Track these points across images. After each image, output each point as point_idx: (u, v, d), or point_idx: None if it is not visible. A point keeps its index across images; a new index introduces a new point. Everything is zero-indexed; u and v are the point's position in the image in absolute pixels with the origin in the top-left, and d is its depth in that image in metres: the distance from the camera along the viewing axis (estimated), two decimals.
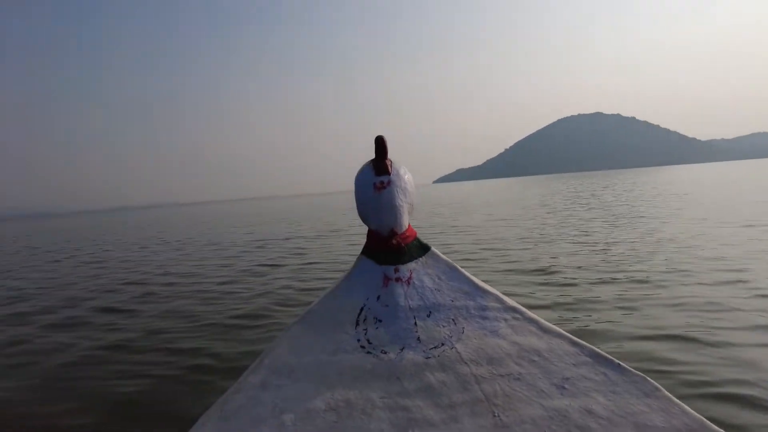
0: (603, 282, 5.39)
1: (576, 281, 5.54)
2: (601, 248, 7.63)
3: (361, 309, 1.77)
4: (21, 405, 3.36)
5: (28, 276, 10.50)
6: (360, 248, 2.00)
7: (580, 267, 6.31)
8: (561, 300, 4.83)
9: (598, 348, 1.56)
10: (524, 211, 17.06)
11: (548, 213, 15.32)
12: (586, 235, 9.28)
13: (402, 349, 1.61)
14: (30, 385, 3.71)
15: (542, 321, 1.70)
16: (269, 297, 6.02)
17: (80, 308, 6.40)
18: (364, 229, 1.98)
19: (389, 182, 1.88)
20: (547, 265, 6.59)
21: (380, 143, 1.88)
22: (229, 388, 1.51)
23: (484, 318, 1.71)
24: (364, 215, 1.97)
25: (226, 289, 6.86)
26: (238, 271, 8.43)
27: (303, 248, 11.17)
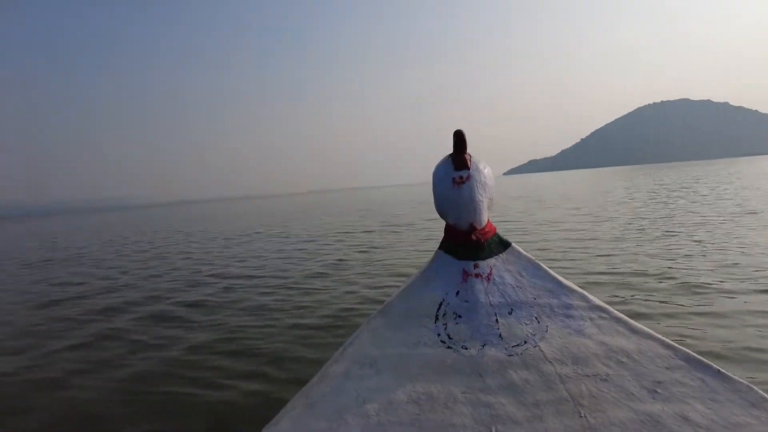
0: (725, 292, 4.66)
1: (690, 288, 4.86)
2: (712, 249, 6.74)
3: (440, 304, 1.76)
4: (99, 405, 3.38)
5: (121, 265, 11.16)
6: (435, 243, 1.97)
7: (691, 270, 5.57)
8: (673, 310, 4.23)
9: (702, 357, 1.42)
10: (611, 205, 15.86)
11: (639, 207, 14.12)
12: (690, 234, 8.29)
13: (483, 346, 1.60)
14: (110, 385, 3.74)
15: (631, 321, 1.62)
16: (348, 297, 5.82)
17: (165, 302, 6.57)
18: (437, 223, 1.78)
19: (468, 177, 1.86)
20: (651, 267, 5.88)
21: (459, 137, 1.85)
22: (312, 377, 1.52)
23: (569, 317, 1.67)
24: (442, 210, 1.95)
25: (306, 285, 6.78)
26: (318, 266, 8.40)
27: (377, 242, 11.11)
